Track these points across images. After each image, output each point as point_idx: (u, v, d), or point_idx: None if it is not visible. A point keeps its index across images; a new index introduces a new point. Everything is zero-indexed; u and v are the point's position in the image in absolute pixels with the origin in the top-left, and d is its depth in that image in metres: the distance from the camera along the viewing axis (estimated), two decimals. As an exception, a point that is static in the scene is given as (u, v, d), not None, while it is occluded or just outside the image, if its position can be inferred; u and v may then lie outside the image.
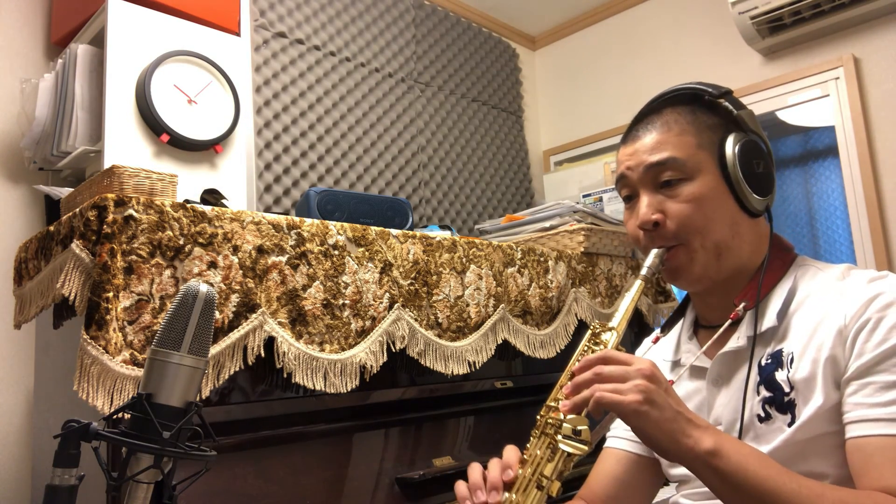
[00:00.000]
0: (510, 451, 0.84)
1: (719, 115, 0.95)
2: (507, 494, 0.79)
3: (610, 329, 0.87)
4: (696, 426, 0.76)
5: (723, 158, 0.92)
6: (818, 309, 0.87)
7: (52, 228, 1.21)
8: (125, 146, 1.55)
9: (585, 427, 0.78)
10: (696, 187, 0.91)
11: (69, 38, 1.80)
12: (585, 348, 0.88)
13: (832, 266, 0.93)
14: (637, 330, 2.09)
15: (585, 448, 0.78)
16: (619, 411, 0.75)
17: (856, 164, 2.26)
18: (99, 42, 1.65)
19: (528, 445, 0.82)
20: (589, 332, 0.89)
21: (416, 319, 1.45)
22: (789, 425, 0.84)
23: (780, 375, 0.87)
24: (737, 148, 0.92)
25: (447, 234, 1.79)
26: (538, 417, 0.83)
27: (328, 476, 1.26)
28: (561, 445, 0.78)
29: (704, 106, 0.96)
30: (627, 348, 0.86)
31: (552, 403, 0.82)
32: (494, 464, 0.83)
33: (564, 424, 0.78)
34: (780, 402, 0.86)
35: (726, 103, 0.95)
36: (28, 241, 1.32)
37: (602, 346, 0.86)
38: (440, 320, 1.51)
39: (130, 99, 1.58)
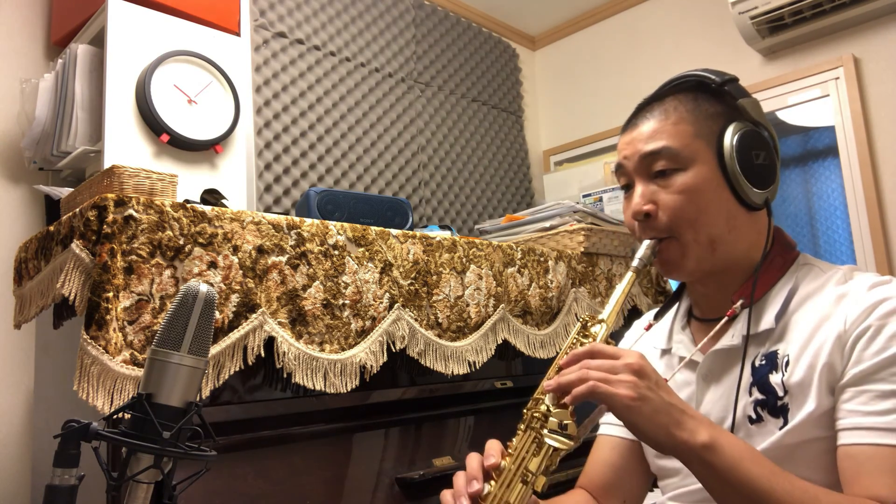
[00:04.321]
0: (491, 444, 0.82)
1: (722, 104, 0.92)
2: (489, 487, 0.78)
3: (600, 321, 0.86)
4: (690, 418, 0.75)
5: (720, 148, 0.89)
6: (817, 312, 0.85)
7: (52, 228, 1.21)
8: (125, 146, 1.55)
9: (571, 421, 0.77)
10: (689, 178, 0.89)
11: (69, 38, 1.80)
12: (574, 341, 0.86)
13: (834, 267, 0.91)
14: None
15: (571, 443, 0.76)
16: (611, 404, 0.74)
17: (856, 164, 2.26)
18: (99, 42, 1.65)
19: (513, 439, 0.81)
20: (578, 324, 0.88)
21: (416, 319, 1.45)
22: (781, 429, 0.83)
23: (775, 378, 0.85)
24: (735, 138, 0.89)
25: (447, 234, 1.79)
26: (524, 411, 0.81)
27: (328, 476, 1.26)
28: (547, 440, 0.77)
29: (708, 94, 0.94)
30: (619, 339, 0.85)
31: (539, 396, 0.81)
32: (473, 457, 0.81)
33: (550, 418, 0.77)
34: (773, 405, 0.84)
35: (729, 91, 0.92)
36: (28, 241, 1.32)
37: (591, 339, 0.85)
38: (440, 320, 1.51)
39: (130, 99, 1.58)
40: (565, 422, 0.77)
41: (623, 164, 0.96)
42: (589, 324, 0.87)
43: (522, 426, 0.81)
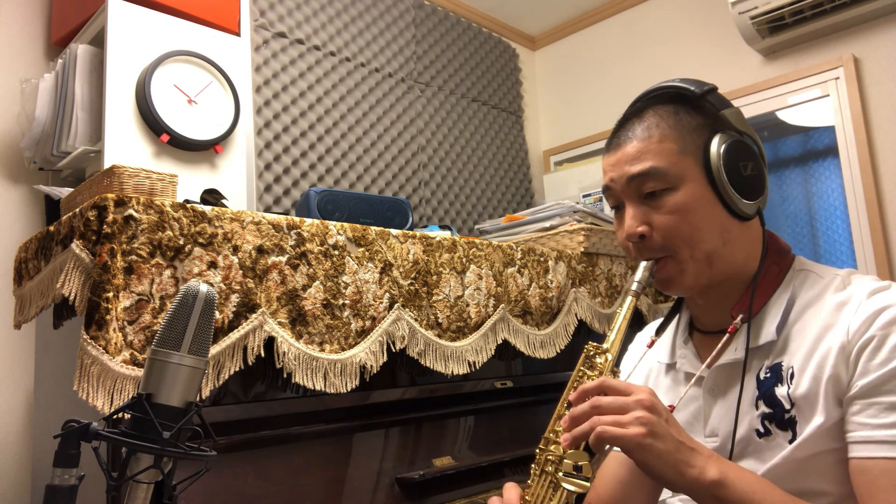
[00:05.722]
0: (510, 490, 0.82)
1: (704, 115, 0.91)
2: None
3: (603, 352, 0.85)
4: (699, 455, 0.75)
5: (708, 163, 0.88)
6: (818, 321, 0.85)
7: (52, 228, 1.21)
8: (125, 146, 1.55)
9: (586, 462, 0.77)
10: (680, 197, 0.88)
11: (69, 38, 1.80)
12: (580, 373, 0.86)
13: (831, 271, 0.91)
14: (639, 330, 2.09)
15: (587, 485, 0.76)
16: (622, 445, 0.74)
17: (856, 164, 2.26)
18: (99, 42, 1.65)
19: (528, 482, 0.81)
20: (582, 355, 0.87)
21: (416, 319, 1.45)
22: (790, 442, 0.83)
23: (780, 391, 0.85)
24: (722, 150, 0.88)
25: (447, 234, 1.79)
26: (537, 451, 0.82)
27: (328, 476, 1.26)
28: (563, 484, 0.77)
29: (688, 105, 0.92)
30: (623, 351, 0.84)
31: (550, 435, 0.81)
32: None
33: (565, 461, 0.77)
34: (781, 418, 0.84)
35: (710, 101, 0.91)
36: (28, 241, 1.32)
37: (597, 371, 0.84)
38: (440, 320, 1.51)
39: (130, 99, 1.58)
40: (580, 463, 0.77)
41: (611, 187, 0.95)
42: (593, 354, 0.86)
43: (537, 469, 0.81)
